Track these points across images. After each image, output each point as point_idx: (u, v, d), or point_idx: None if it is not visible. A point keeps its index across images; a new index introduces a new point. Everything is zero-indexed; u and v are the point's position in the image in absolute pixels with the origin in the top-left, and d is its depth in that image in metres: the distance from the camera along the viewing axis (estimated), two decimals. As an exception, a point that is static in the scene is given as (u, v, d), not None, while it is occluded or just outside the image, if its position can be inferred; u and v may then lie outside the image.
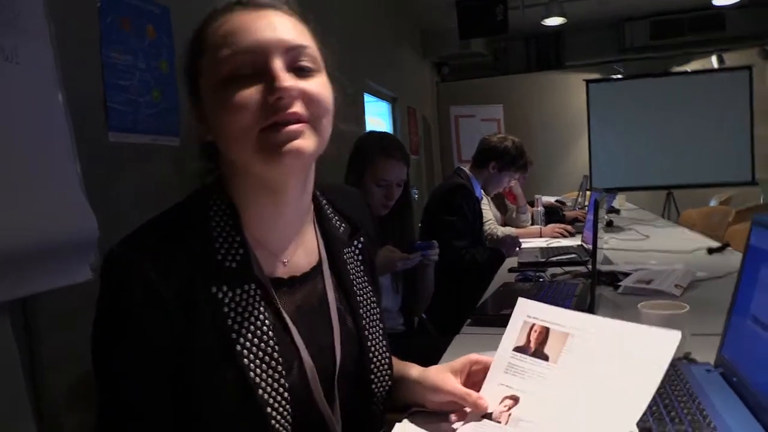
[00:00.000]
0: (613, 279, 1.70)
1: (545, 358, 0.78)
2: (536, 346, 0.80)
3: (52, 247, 1.53)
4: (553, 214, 3.53)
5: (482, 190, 2.83)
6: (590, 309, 1.31)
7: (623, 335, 0.74)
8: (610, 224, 3.17)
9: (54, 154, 1.62)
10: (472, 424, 0.79)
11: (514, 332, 0.83)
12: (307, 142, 0.71)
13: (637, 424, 0.69)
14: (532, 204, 3.75)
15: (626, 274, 1.71)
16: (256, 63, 0.70)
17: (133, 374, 0.70)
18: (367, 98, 5.40)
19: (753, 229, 0.91)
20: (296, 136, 0.70)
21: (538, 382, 0.76)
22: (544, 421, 0.72)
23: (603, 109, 7.05)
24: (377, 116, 6.03)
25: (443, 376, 0.87)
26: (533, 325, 0.82)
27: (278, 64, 0.70)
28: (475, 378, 0.86)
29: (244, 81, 0.70)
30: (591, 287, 1.33)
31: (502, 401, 0.78)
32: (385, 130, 2.04)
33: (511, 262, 2.26)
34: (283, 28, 0.73)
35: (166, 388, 0.70)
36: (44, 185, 1.54)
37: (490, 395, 0.80)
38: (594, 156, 7.08)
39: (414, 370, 0.92)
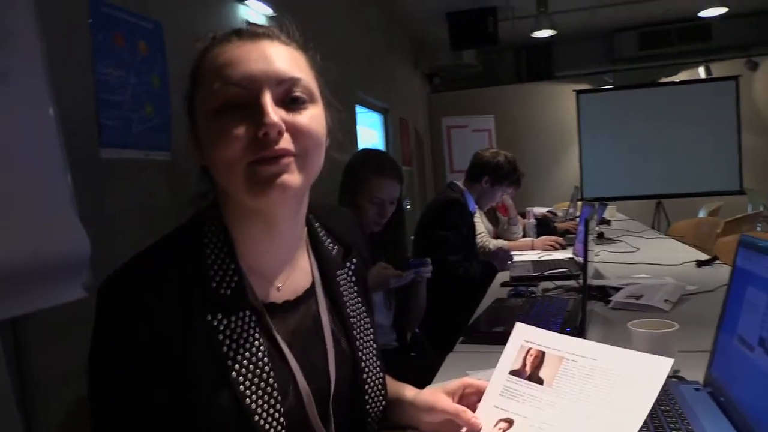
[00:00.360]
0: (603, 294, 1.72)
1: (540, 381, 0.79)
2: (531, 370, 0.80)
3: (43, 266, 1.52)
4: (544, 226, 3.55)
5: (476, 204, 2.85)
6: (581, 325, 1.32)
7: (617, 360, 0.75)
8: (600, 236, 3.20)
9: (46, 173, 1.62)
10: None
11: (510, 356, 0.84)
12: (293, 177, 0.72)
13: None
14: (523, 215, 3.77)
15: (617, 289, 1.73)
16: (247, 96, 0.71)
17: (131, 402, 0.70)
18: (359, 110, 5.42)
19: (740, 250, 0.93)
20: (283, 171, 0.71)
21: (532, 405, 0.77)
22: None
23: (593, 120, 7.12)
24: (369, 127, 6.05)
25: (437, 396, 0.88)
26: (529, 349, 0.82)
27: (268, 98, 0.71)
28: (467, 401, 0.87)
29: (235, 113, 0.71)
30: (582, 304, 1.34)
31: (496, 424, 0.79)
32: (378, 147, 2.05)
33: (503, 276, 2.27)
34: (276, 59, 0.74)
35: (164, 415, 0.71)
36: (35, 204, 1.53)
37: (485, 418, 0.81)
38: (584, 166, 7.13)
39: (408, 392, 0.92)
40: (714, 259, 2.15)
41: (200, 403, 0.71)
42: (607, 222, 3.94)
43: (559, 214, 4.82)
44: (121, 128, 2.35)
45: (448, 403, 0.85)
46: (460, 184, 2.84)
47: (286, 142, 0.71)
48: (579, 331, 1.31)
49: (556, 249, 2.96)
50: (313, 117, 0.75)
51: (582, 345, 0.80)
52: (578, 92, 7.19)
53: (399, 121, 6.41)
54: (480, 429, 0.80)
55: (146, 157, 2.48)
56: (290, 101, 0.73)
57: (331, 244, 0.91)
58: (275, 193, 0.71)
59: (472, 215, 2.74)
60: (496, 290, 2.04)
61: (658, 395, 0.90)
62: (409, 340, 2.03)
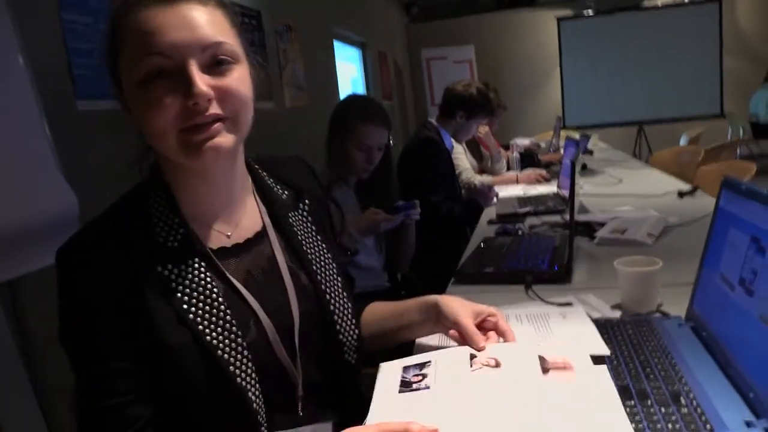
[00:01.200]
0: (589, 229, 1.76)
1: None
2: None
3: (33, 228, 1.52)
4: (528, 159, 3.58)
5: (452, 140, 2.84)
6: (568, 264, 1.37)
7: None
8: (584, 167, 3.23)
9: (25, 132, 1.59)
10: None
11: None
12: (225, 138, 0.76)
13: (615, 383, 0.76)
14: (507, 148, 3.79)
15: (602, 224, 1.77)
16: (172, 65, 0.72)
17: (102, 361, 0.74)
18: (337, 45, 5.28)
19: (723, 191, 0.96)
20: (214, 134, 0.75)
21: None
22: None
23: (574, 47, 7.03)
24: (348, 61, 5.91)
25: (465, 311, 0.91)
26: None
27: (194, 67, 0.72)
28: (485, 325, 0.91)
29: (161, 83, 0.72)
30: (569, 243, 1.38)
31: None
32: (361, 91, 2.01)
33: (490, 213, 2.31)
34: (198, 24, 0.74)
35: (134, 367, 0.75)
36: (18, 166, 1.51)
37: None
38: (566, 94, 7.10)
39: (426, 298, 0.97)
40: (695, 189, 2.20)
41: (165, 347, 0.75)
42: (590, 152, 3.97)
43: (542, 145, 4.84)
44: (95, 78, 2.28)
45: (469, 323, 0.89)
46: (434, 121, 2.82)
47: (215, 108, 0.74)
48: (566, 270, 1.35)
49: (540, 182, 3.00)
50: (239, 78, 0.77)
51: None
52: (560, 19, 7.06)
53: (377, 55, 6.28)
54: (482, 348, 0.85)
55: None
56: (215, 65, 0.75)
57: (280, 189, 0.95)
58: (208, 155, 0.75)
59: (449, 152, 2.74)
60: (483, 229, 2.07)
61: (643, 329, 0.96)
62: (400, 281, 2.08)
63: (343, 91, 5.46)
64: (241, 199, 0.88)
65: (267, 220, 0.90)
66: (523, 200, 2.45)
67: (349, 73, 6.02)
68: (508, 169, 3.52)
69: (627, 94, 6.88)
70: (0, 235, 1.42)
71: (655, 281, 1.09)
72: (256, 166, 0.93)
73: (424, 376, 0.82)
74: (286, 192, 0.95)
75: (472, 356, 0.84)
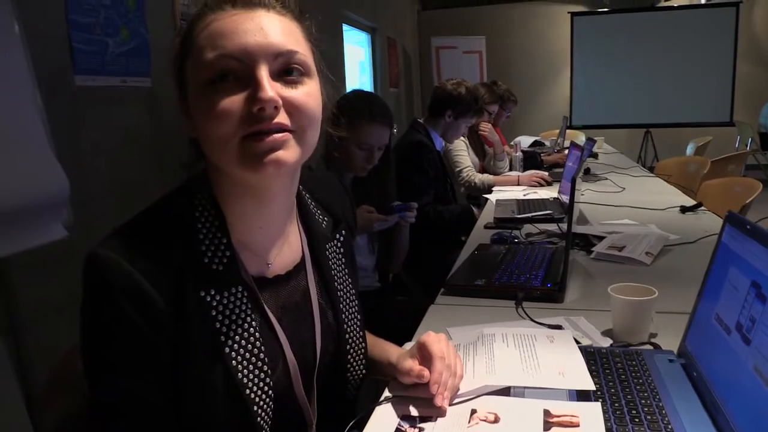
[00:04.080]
0: (586, 243, 1.73)
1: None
2: None
3: (22, 208, 1.48)
4: (531, 160, 3.53)
5: (442, 140, 2.79)
6: (562, 282, 1.34)
7: None
8: (587, 171, 3.20)
9: (15, 106, 1.54)
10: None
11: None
12: (289, 153, 0.70)
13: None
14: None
15: (600, 238, 1.74)
16: (241, 69, 0.68)
17: (125, 375, 0.69)
18: (346, 29, 5.21)
19: (726, 227, 0.92)
20: (278, 146, 0.69)
21: None
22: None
23: (587, 44, 6.94)
24: (356, 44, 5.84)
25: (404, 361, 0.90)
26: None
27: (264, 72, 0.68)
28: (425, 355, 0.88)
29: (228, 87, 0.68)
30: (564, 261, 1.35)
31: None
32: (370, 91, 1.98)
33: (487, 216, 2.27)
34: (272, 31, 0.70)
35: (158, 392, 0.70)
36: (7, 142, 1.47)
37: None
38: (575, 92, 7.02)
39: (393, 355, 0.95)
40: (698, 205, 2.16)
41: (193, 378, 0.71)
42: (594, 155, 3.93)
43: (547, 143, 4.79)
44: (95, 53, 2.24)
45: (408, 364, 0.88)
46: (422, 121, 2.77)
47: (282, 118, 0.69)
48: (560, 288, 1.32)
49: (541, 185, 2.96)
50: (309, 93, 0.73)
51: None
52: (573, 14, 6.96)
53: (387, 41, 6.20)
54: (424, 377, 0.84)
55: (123, 84, 2.38)
56: (286, 75, 0.71)
57: (320, 216, 0.91)
58: (270, 168, 0.69)
59: (439, 154, 2.70)
60: (479, 233, 2.04)
61: (632, 363, 0.93)
62: (391, 281, 2.06)
63: (350, 76, 5.40)
64: (287, 226, 0.84)
65: (307, 251, 0.87)
66: (522, 204, 2.42)
67: (357, 56, 5.95)
68: (511, 168, 3.48)
69: (636, 96, 6.81)
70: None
71: (649, 312, 1.06)
72: (303, 191, 0.89)
73: (421, 429, 0.80)
74: (325, 220, 0.91)
75: (473, 411, 0.81)
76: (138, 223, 0.73)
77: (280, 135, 0.69)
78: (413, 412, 0.84)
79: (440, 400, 0.82)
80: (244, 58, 0.68)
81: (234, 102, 0.67)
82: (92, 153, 2.18)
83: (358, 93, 1.85)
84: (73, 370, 0.84)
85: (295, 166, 0.74)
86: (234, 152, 0.69)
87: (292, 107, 0.70)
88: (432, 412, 0.83)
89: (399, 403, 0.87)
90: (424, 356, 0.88)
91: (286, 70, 0.70)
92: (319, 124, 0.75)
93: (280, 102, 0.68)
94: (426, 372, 0.85)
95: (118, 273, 0.67)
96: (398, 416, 0.83)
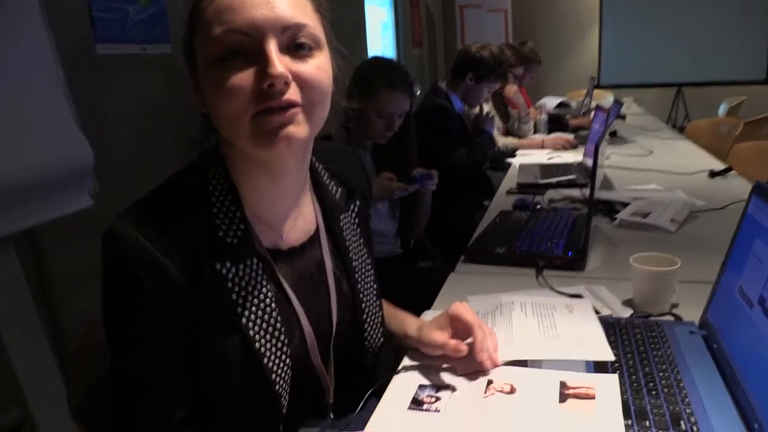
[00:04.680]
0: (610, 209, 1.70)
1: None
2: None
3: (49, 179, 1.52)
4: (556, 122, 3.46)
5: (462, 103, 2.75)
6: (583, 249, 1.32)
7: None
8: (614, 134, 3.12)
9: (38, 78, 1.56)
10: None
11: None
12: (300, 128, 0.70)
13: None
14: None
15: (624, 204, 1.71)
16: (249, 44, 0.67)
17: (145, 347, 0.71)
18: (368, -11, 5.10)
19: (753, 198, 0.90)
20: (289, 122, 0.68)
21: None
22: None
23: (616, 0, 6.68)
24: (378, 5, 5.72)
25: (433, 333, 0.91)
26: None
27: (272, 47, 0.66)
28: (458, 327, 0.89)
29: (237, 62, 0.67)
30: (586, 229, 1.33)
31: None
32: (391, 58, 1.95)
33: (509, 182, 2.25)
34: (280, 3, 0.68)
35: (180, 361, 0.72)
36: (31, 114, 1.49)
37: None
38: (604, 51, 6.80)
39: (411, 328, 0.96)
40: (728, 169, 2.10)
41: (212, 349, 0.73)
42: (622, 117, 3.83)
43: (574, 104, 4.68)
44: (116, 21, 2.24)
45: (441, 337, 0.89)
46: (443, 85, 2.72)
47: (292, 93, 0.68)
48: (581, 257, 1.31)
49: (566, 148, 2.91)
50: (319, 66, 0.71)
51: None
52: (604, -32, 6.69)
53: (409, 1, 6.06)
54: (464, 352, 0.86)
55: (143, 51, 2.38)
56: (295, 48, 0.69)
57: (334, 187, 0.91)
58: (281, 144, 0.69)
59: (460, 116, 2.67)
60: (501, 199, 2.02)
61: (652, 334, 0.93)
62: (412, 247, 2.06)
63: (372, 37, 5.30)
64: (300, 198, 0.84)
65: (321, 221, 0.87)
66: (546, 168, 2.38)
67: (380, 18, 5.84)
68: (536, 131, 3.42)
69: (667, 54, 6.55)
70: (19, 184, 1.42)
71: (671, 282, 1.05)
72: (317, 162, 0.88)
73: (438, 399, 0.81)
74: (339, 190, 0.91)
75: (489, 381, 0.82)
76: (153, 198, 0.74)
77: (291, 111, 0.68)
78: (431, 381, 0.86)
79: (490, 365, 0.84)
80: (252, 33, 0.66)
81: (243, 78, 0.66)
82: (115, 121, 2.20)
83: (378, 60, 1.82)
84: (99, 338, 0.87)
85: (306, 141, 0.74)
86: (245, 129, 0.69)
87: (302, 81, 0.69)
88: (450, 381, 0.85)
89: (417, 372, 0.89)
90: (457, 328, 0.89)
91: (296, 43, 0.69)
92: (329, 98, 0.74)
93: (290, 77, 0.67)
94: (463, 346, 0.86)
95: (134, 248, 0.68)
96: (416, 385, 0.85)
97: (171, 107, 2.41)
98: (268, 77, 0.65)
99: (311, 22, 0.71)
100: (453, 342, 0.87)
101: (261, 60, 0.66)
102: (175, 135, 2.29)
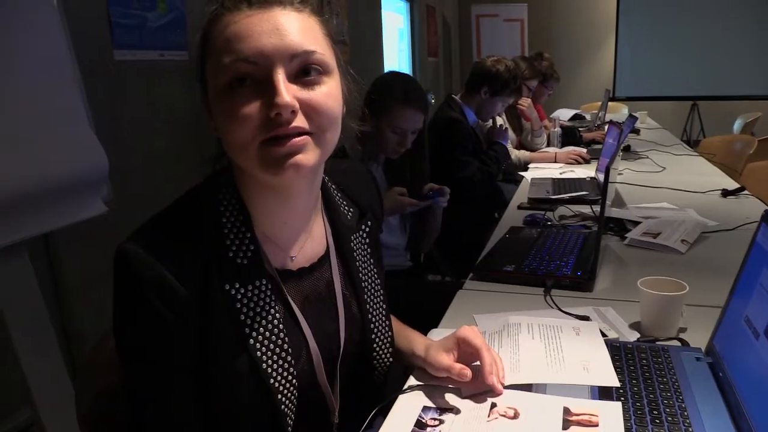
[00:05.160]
0: (621, 228, 1.70)
1: None
2: None
3: (64, 185, 1.54)
4: (570, 136, 3.46)
5: (475, 117, 2.75)
6: (592, 270, 1.32)
7: None
8: (627, 149, 3.11)
9: (56, 83, 1.58)
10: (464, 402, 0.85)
11: None
12: (308, 156, 0.71)
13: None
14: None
15: (635, 223, 1.71)
16: (257, 72, 0.68)
17: (153, 363, 0.73)
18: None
19: (762, 226, 0.89)
20: (297, 150, 0.69)
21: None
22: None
23: (633, 12, 6.68)
24: (395, 11, 5.74)
25: (439, 356, 0.91)
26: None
27: (280, 76, 0.67)
28: (466, 350, 0.90)
29: (245, 91, 0.68)
30: (595, 250, 1.33)
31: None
32: (407, 73, 1.97)
33: (521, 197, 2.25)
34: (289, 31, 0.69)
35: (186, 377, 0.73)
36: (49, 120, 1.52)
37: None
38: (620, 63, 6.78)
39: (419, 347, 0.96)
40: (740, 189, 2.09)
41: (219, 368, 0.74)
42: (636, 131, 3.81)
43: (588, 117, 4.67)
44: (134, 27, 2.27)
45: (446, 361, 0.89)
46: (458, 98, 2.73)
47: (300, 121, 0.69)
48: (589, 277, 1.31)
49: (579, 163, 2.90)
50: (328, 93, 0.72)
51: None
52: (621, -20, 6.68)
53: (426, 10, 6.08)
54: (467, 377, 0.85)
55: (161, 57, 2.42)
56: (303, 75, 0.70)
57: (346, 208, 0.92)
58: (289, 172, 0.70)
59: (473, 129, 2.67)
60: (512, 213, 2.02)
61: (658, 360, 0.93)
62: (422, 261, 2.07)
63: (389, 44, 5.33)
64: (311, 219, 0.85)
65: (331, 242, 0.88)
66: (558, 183, 2.38)
67: (396, 23, 5.87)
68: (549, 144, 3.41)
69: (683, 67, 6.53)
70: (32, 191, 1.45)
71: (679, 307, 1.05)
72: (329, 183, 0.90)
73: (441, 422, 0.81)
74: (351, 210, 0.92)
75: (493, 405, 0.83)
76: (164, 217, 0.76)
77: (299, 139, 0.69)
78: (435, 403, 0.86)
79: (500, 388, 0.85)
80: (260, 62, 0.68)
81: (252, 107, 0.68)
82: (132, 127, 2.23)
83: (393, 75, 1.83)
84: (108, 348, 0.88)
85: (316, 167, 0.75)
86: (254, 156, 0.70)
87: (310, 109, 0.70)
88: (454, 403, 0.85)
89: (422, 393, 0.89)
90: (465, 351, 0.90)
91: (304, 70, 0.70)
92: (339, 123, 0.75)
93: (297, 106, 0.68)
94: (468, 371, 0.86)
95: (144, 267, 0.69)
96: (420, 407, 0.85)
97: (188, 114, 2.44)
98: (275, 107, 0.66)
99: (320, 48, 0.72)
100: (458, 366, 0.87)
101: (269, 89, 0.67)
102: (191, 141, 2.32)
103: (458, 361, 0.90)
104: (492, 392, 0.85)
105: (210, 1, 0.73)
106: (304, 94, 0.70)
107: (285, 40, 0.69)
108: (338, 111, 0.74)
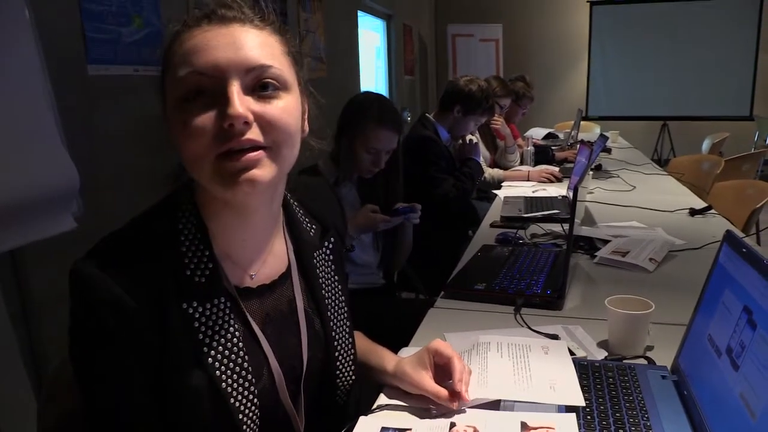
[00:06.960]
0: (590, 246, 1.72)
1: None
2: None
3: (32, 201, 1.52)
4: (542, 154, 3.51)
5: (448, 134, 2.79)
6: (561, 289, 1.34)
7: None
8: (598, 167, 3.17)
9: (26, 97, 1.55)
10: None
11: None
12: (263, 171, 0.70)
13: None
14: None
15: (605, 242, 1.74)
16: (212, 85, 0.68)
17: (110, 385, 0.71)
18: (361, 15, 5.17)
19: (723, 247, 0.92)
20: (252, 165, 0.69)
21: None
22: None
23: (605, 34, 6.85)
24: (372, 30, 5.80)
25: (419, 375, 0.92)
26: None
27: (234, 88, 0.67)
28: (438, 362, 0.91)
29: (200, 104, 0.68)
30: (564, 269, 1.35)
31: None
32: (381, 93, 1.98)
33: (493, 215, 2.27)
34: (246, 45, 0.70)
35: (145, 397, 0.72)
36: (19, 135, 1.49)
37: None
38: (592, 82, 6.94)
39: (389, 363, 0.97)
40: (708, 208, 2.14)
41: (178, 387, 0.72)
42: (608, 150, 3.89)
43: (561, 136, 4.75)
44: (108, 42, 2.25)
45: (430, 384, 0.90)
46: (431, 116, 2.77)
47: (254, 134, 0.69)
48: (559, 295, 1.33)
49: (551, 181, 2.94)
50: (284, 108, 0.72)
51: None
52: (593, 3, 6.86)
53: (402, 28, 6.15)
54: (441, 397, 0.87)
55: (136, 73, 2.40)
56: (261, 90, 0.70)
57: (308, 225, 0.91)
58: (244, 187, 0.69)
59: (447, 147, 2.71)
60: (485, 232, 2.04)
61: (624, 378, 0.94)
62: (395, 279, 2.07)
63: (365, 61, 5.37)
64: (272, 236, 0.84)
65: (293, 259, 0.87)
66: (530, 201, 2.41)
67: (373, 42, 5.92)
68: (522, 162, 3.46)
69: (654, 88, 6.71)
70: (3, 206, 1.42)
71: (645, 326, 1.07)
72: (291, 200, 0.89)
73: None
74: (313, 227, 0.91)
75: (452, 424, 0.83)
76: (121, 236, 0.75)
77: (254, 154, 0.69)
78: (395, 423, 0.86)
79: (466, 397, 0.86)
80: (214, 74, 0.68)
81: (205, 119, 0.67)
82: (105, 142, 2.20)
83: (367, 95, 1.84)
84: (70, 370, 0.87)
85: (272, 183, 0.74)
86: (208, 170, 0.69)
87: (265, 123, 0.69)
88: (413, 424, 0.86)
89: (383, 413, 0.90)
90: (438, 363, 0.91)
91: (261, 85, 0.70)
92: (296, 140, 0.75)
93: (251, 117, 0.68)
94: (443, 392, 0.87)
95: (99, 287, 0.68)
96: (379, 427, 0.85)
97: (161, 129, 2.42)
98: (227, 117, 0.66)
99: (278, 64, 0.72)
100: (444, 392, 0.88)
101: (222, 101, 0.67)
102: (165, 158, 2.30)
103: (434, 373, 0.91)
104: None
105: (175, 21, 0.73)
106: (259, 107, 0.69)
107: (240, 54, 0.69)
108: (295, 127, 0.74)
